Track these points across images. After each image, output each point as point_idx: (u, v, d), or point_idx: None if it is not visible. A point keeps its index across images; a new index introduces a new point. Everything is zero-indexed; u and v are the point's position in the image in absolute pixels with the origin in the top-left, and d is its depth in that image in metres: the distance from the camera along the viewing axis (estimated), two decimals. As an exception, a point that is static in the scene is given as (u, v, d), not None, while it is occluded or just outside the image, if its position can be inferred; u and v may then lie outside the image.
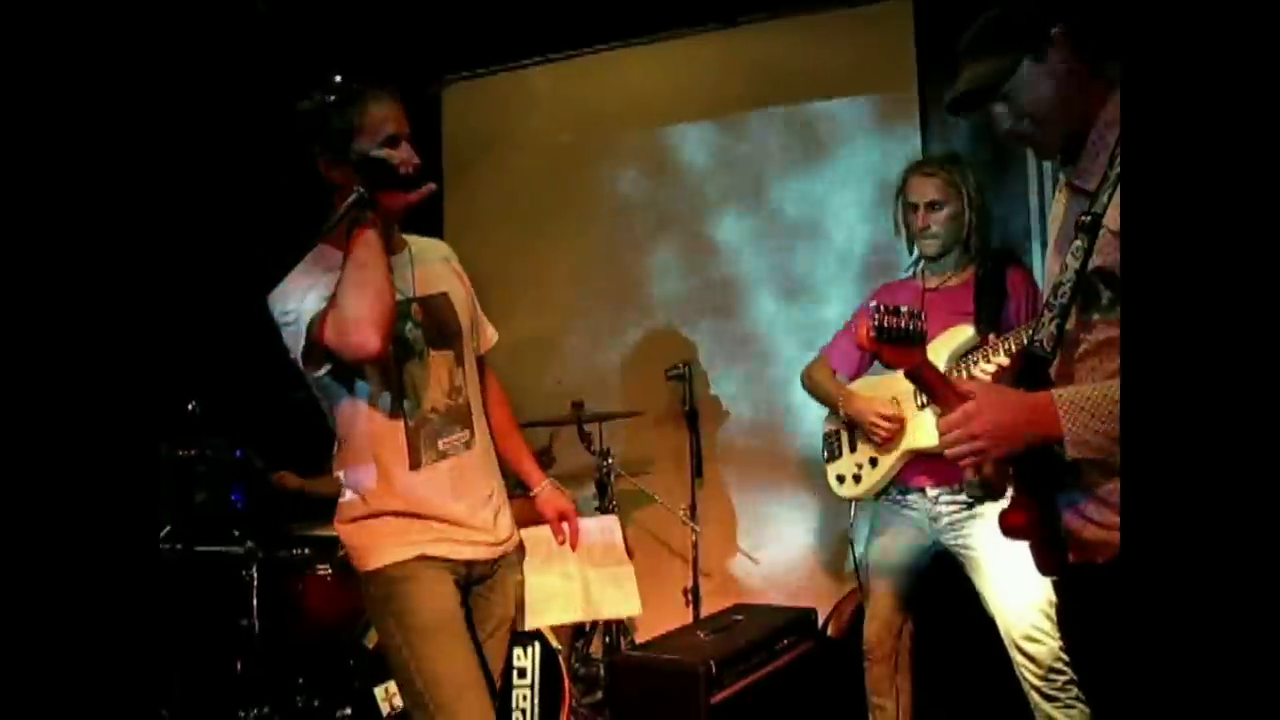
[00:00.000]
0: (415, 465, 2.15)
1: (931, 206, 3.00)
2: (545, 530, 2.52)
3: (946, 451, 1.62)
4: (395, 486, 2.14)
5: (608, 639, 4.02)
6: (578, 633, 3.97)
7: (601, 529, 2.61)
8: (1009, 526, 1.71)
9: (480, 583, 2.28)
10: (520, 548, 2.43)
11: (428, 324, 2.22)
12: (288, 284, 2.09)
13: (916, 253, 3.12)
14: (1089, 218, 1.61)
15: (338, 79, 2.16)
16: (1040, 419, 1.53)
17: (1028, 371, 1.70)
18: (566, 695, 3.26)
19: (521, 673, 3.27)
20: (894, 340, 1.53)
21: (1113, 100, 1.65)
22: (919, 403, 2.91)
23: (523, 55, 4.80)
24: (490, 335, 2.51)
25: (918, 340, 1.56)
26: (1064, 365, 1.71)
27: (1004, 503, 1.75)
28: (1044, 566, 1.75)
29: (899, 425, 2.99)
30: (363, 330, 1.95)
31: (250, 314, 2.18)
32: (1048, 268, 1.83)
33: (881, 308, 1.55)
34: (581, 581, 2.53)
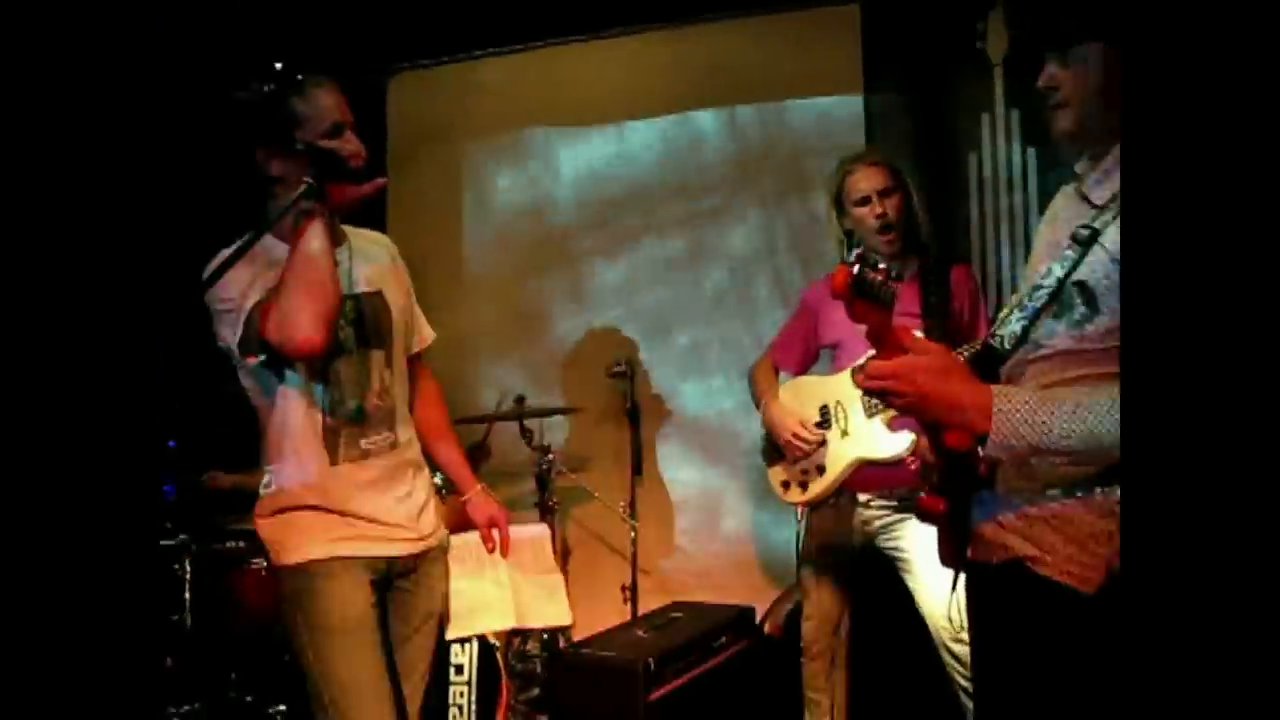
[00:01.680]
0: (335, 462, 2.13)
1: (884, 194, 2.93)
2: (475, 536, 2.50)
3: (864, 383, 1.58)
4: (314, 482, 2.12)
5: (545, 635, 4.00)
6: (514, 629, 3.95)
7: (532, 538, 2.60)
8: (923, 510, 1.72)
9: (403, 577, 2.25)
10: (446, 544, 2.40)
11: (361, 322, 2.20)
12: (229, 272, 2.04)
13: (858, 249, 3.08)
14: (1087, 231, 1.59)
15: (279, 67, 2.12)
16: (971, 406, 1.51)
17: (981, 361, 1.70)
18: (504, 692, 3.24)
19: (459, 669, 3.25)
20: (867, 295, 1.51)
21: None
22: (869, 409, 2.90)
23: (470, 47, 4.76)
24: (427, 335, 2.47)
25: (889, 302, 1.54)
26: (1014, 364, 1.71)
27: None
28: (945, 557, 1.77)
29: (816, 443, 2.98)
30: (306, 327, 1.93)
31: (182, 304, 2.14)
32: (1031, 266, 1.80)
33: (866, 258, 1.50)
34: (512, 589, 2.53)
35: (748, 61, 4.29)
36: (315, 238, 1.98)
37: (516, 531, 2.56)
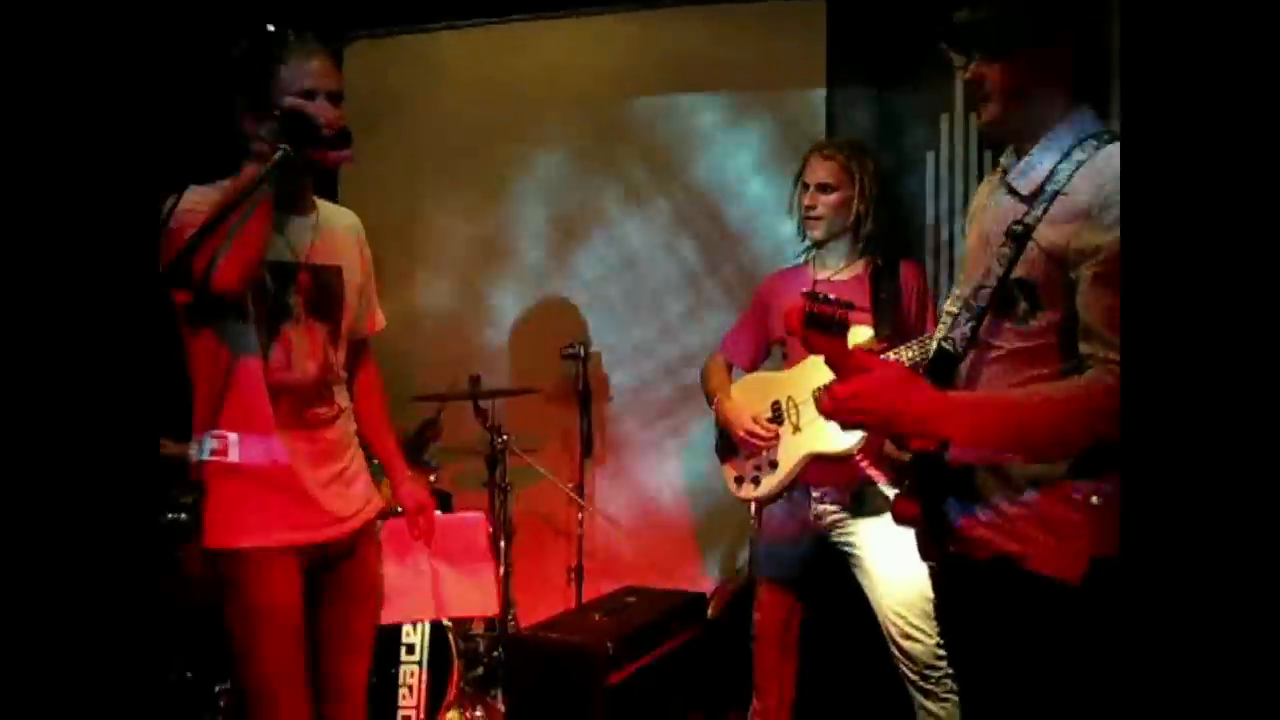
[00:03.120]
0: (279, 428, 2.12)
1: (821, 189, 3.00)
2: (403, 523, 2.51)
3: (829, 406, 1.63)
4: (253, 451, 2.10)
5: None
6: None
7: (463, 526, 2.60)
8: (899, 514, 1.77)
9: (341, 558, 2.25)
10: (380, 516, 2.39)
11: (312, 293, 2.18)
12: (184, 201, 2.00)
13: (807, 239, 3.12)
14: (1020, 227, 1.65)
15: (269, 27, 2.09)
16: (930, 416, 1.57)
17: (937, 367, 1.75)
18: (455, 672, 3.24)
19: (410, 649, 3.24)
20: (821, 327, 1.56)
21: (1065, 127, 1.69)
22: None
23: (429, 18, 4.68)
24: (378, 321, 2.47)
25: (841, 330, 1.59)
26: (973, 367, 1.75)
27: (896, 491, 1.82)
28: (926, 553, 1.83)
29: (769, 438, 3.01)
30: (232, 270, 1.92)
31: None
32: (969, 260, 1.86)
33: (815, 295, 1.57)
34: (431, 578, 2.53)
35: (711, 50, 4.29)
36: (266, 201, 1.97)
37: (449, 519, 2.59)
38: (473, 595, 2.60)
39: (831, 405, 1.61)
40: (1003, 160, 1.81)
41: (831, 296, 1.60)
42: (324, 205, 2.27)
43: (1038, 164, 1.69)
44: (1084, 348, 1.58)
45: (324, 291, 2.21)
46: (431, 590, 2.52)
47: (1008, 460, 1.62)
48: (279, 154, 1.94)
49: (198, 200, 1.98)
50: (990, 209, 1.80)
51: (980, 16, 1.72)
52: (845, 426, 1.65)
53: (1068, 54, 1.69)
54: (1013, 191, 1.73)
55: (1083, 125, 1.69)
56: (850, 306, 1.61)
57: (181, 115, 2.30)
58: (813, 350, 1.62)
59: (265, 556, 2.09)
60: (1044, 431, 1.55)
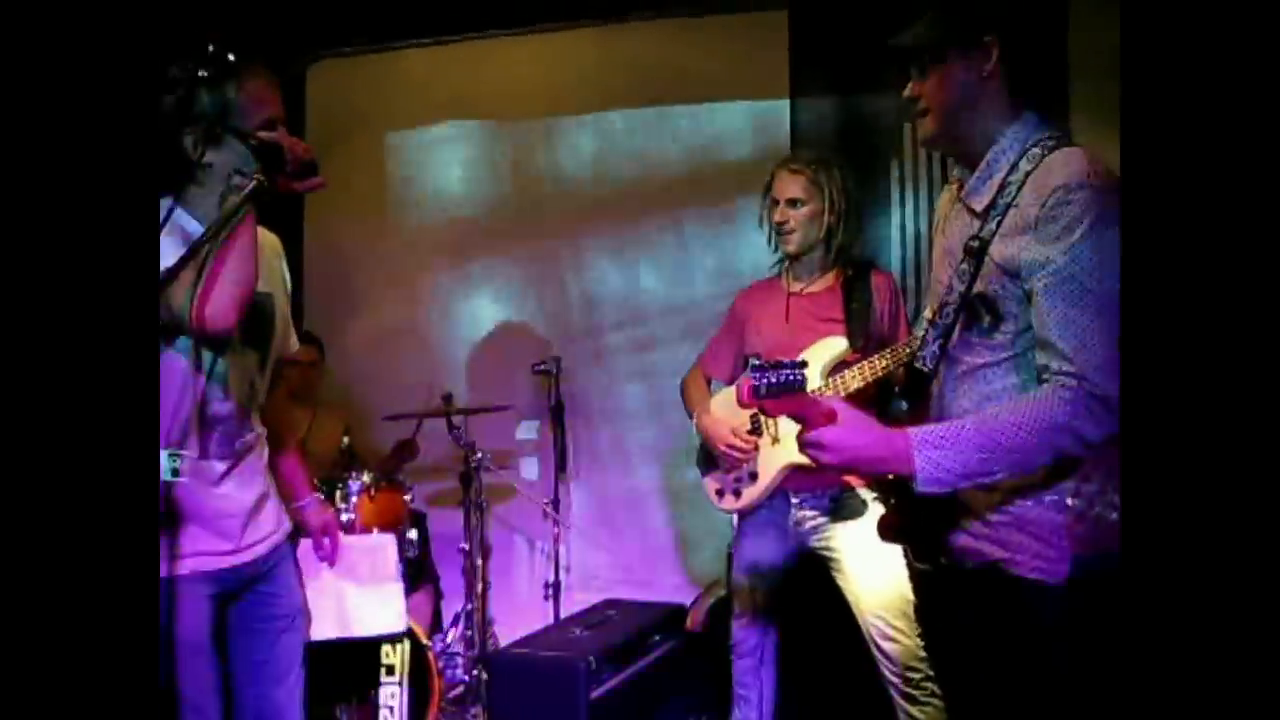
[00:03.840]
0: (204, 456, 2.08)
1: (792, 204, 3.00)
2: (308, 544, 2.51)
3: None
4: (178, 476, 2.04)
5: (469, 632, 3.99)
6: (434, 626, 3.94)
7: (370, 547, 2.64)
8: (885, 529, 1.81)
9: (259, 580, 2.21)
10: (293, 536, 2.37)
11: (248, 321, 2.12)
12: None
13: (779, 253, 3.13)
14: (977, 243, 1.67)
15: (211, 49, 2.05)
16: (893, 456, 1.60)
17: (909, 386, 1.79)
18: (436, 691, 3.23)
19: (390, 670, 3.22)
20: (775, 394, 1.57)
21: (1014, 130, 1.71)
22: None
23: (393, 37, 4.69)
24: (293, 342, 2.42)
25: (796, 388, 1.60)
26: (944, 384, 1.79)
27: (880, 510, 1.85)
28: (918, 557, 1.85)
29: (750, 450, 3.02)
30: (227, 309, 1.92)
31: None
32: (933, 275, 1.88)
33: (760, 365, 1.55)
34: (336, 598, 2.53)
35: (675, 62, 4.32)
36: (250, 231, 1.95)
37: (355, 541, 2.63)
38: (380, 614, 2.62)
39: (801, 451, 1.65)
40: (956, 173, 1.82)
41: (784, 360, 1.58)
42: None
43: (987, 178, 1.71)
44: (1040, 358, 1.60)
45: (257, 319, 2.17)
46: (335, 610, 2.52)
47: (977, 485, 1.64)
48: (253, 185, 1.92)
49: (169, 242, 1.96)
50: (952, 221, 1.82)
51: (910, 33, 1.75)
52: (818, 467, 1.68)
53: (996, 58, 1.69)
54: (966, 206, 1.75)
55: (1027, 132, 1.70)
56: (802, 365, 1.60)
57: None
58: (773, 414, 1.65)
59: (176, 586, 2.02)
60: (1004, 455, 1.57)
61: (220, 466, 2.10)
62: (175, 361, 2.05)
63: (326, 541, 2.51)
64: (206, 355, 2.07)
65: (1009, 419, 1.57)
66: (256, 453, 2.21)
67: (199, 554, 2.07)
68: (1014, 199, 1.64)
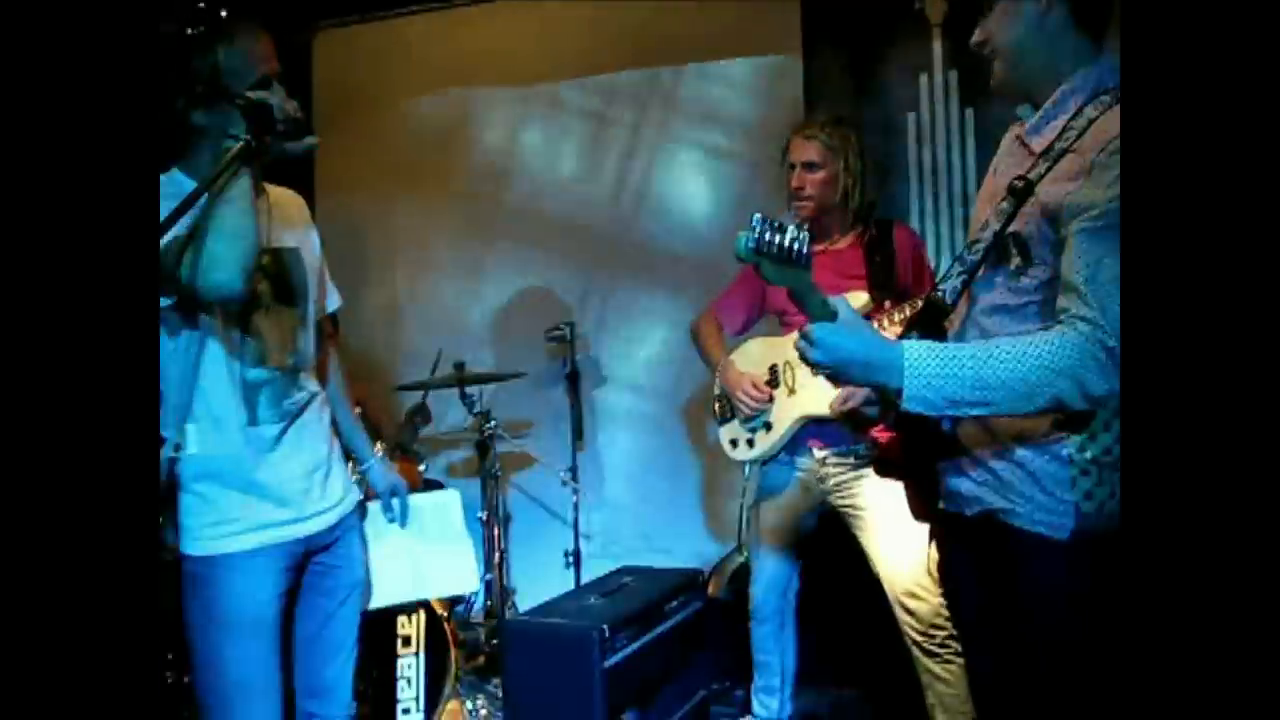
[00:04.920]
0: (254, 422, 2.04)
1: (807, 168, 3.00)
2: (376, 506, 2.46)
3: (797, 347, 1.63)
4: (231, 444, 2.02)
5: (489, 603, 3.98)
6: (456, 597, 3.91)
7: (436, 505, 2.56)
8: (883, 465, 1.79)
9: (323, 551, 2.19)
10: (361, 507, 2.35)
11: (278, 278, 2.11)
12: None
13: (798, 217, 3.12)
14: (1022, 182, 1.62)
15: (202, 6, 2.01)
16: (884, 365, 1.54)
17: (925, 317, 1.74)
18: (453, 662, 3.21)
19: (406, 641, 3.20)
20: (775, 258, 1.51)
21: (1084, 73, 1.64)
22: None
23: (396, 4, 4.64)
24: (336, 298, 2.40)
25: (801, 262, 1.53)
26: (960, 321, 1.75)
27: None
28: (917, 512, 1.82)
29: (765, 400, 3.02)
30: (228, 270, 1.86)
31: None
32: (975, 213, 1.84)
33: (766, 221, 1.51)
34: (410, 559, 2.48)
35: (683, 20, 4.24)
36: (243, 188, 1.89)
37: (421, 499, 2.54)
38: (452, 574, 2.56)
39: (797, 348, 1.61)
40: (1020, 113, 1.76)
41: (789, 226, 1.52)
42: (271, 189, 2.19)
43: (1051, 119, 1.66)
44: (1061, 301, 1.55)
45: (287, 276, 2.13)
46: (410, 572, 2.48)
47: (964, 411, 1.58)
48: (239, 146, 1.87)
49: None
50: (1006, 160, 1.77)
51: None
52: (814, 372, 1.63)
53: (1064, 1, 1.64)
54: (1025, 146, 1.70)
55: (1099, 77, 1.63)
56: (807, 237, 1.54)
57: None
58: (771, 281, 1.57)
59: (245, 561, 2.01)
60: (999, 389, 1.50)
61: (272, 431, 2.07)
62: (182, 337, 2.02)
63: (395, 502, 2.46)
64: (236, 320, 2.03)
65: (1010, 351, 1.51)
66: (313, 414, 2.17)
67: (264, 527, 2.05)
68: (1073, 144, 1.58)
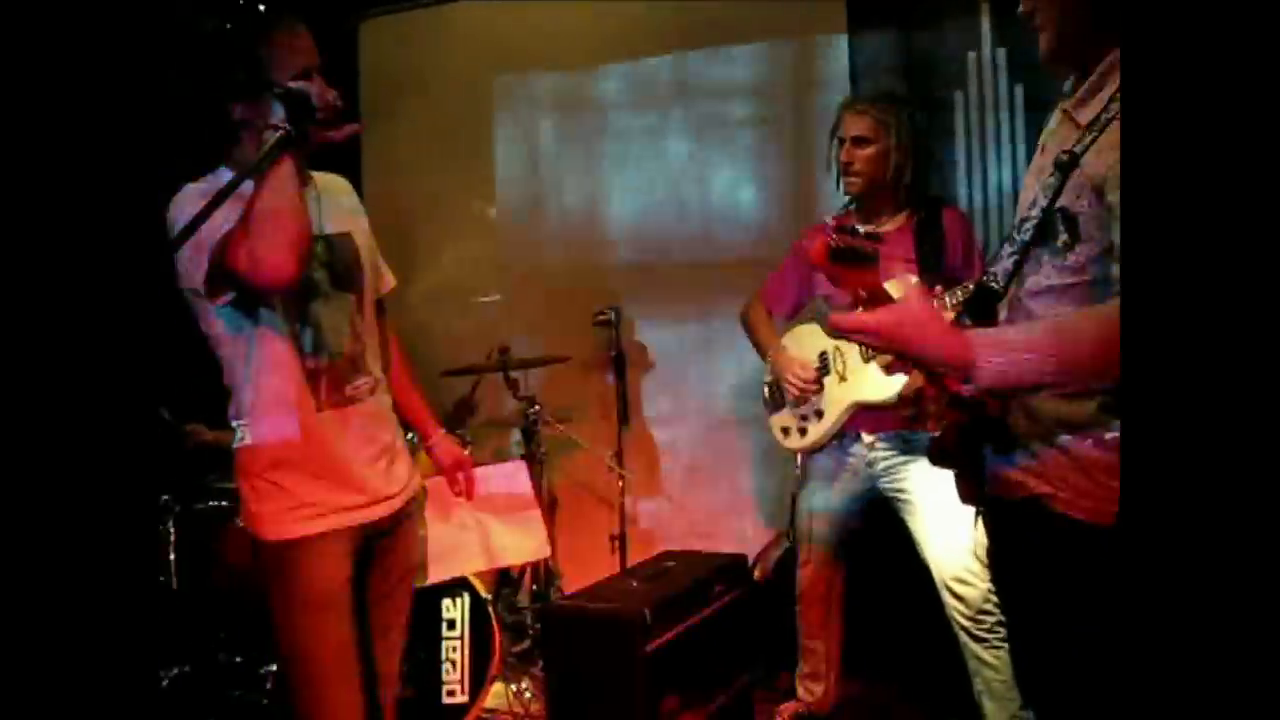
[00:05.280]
0: (320, 408, 2.07)
1: (857, 143, 2.98)
2: (443, 481, 2.48)
3: (842, 330, 1.59)
4: (297, 432, 2.05)
5: (535, 587, 3.99)
6: (504, 581, 3.93)
7: (504, 475, 2.58)
8: (936, 454, 1.75)
9: (383, 536, 2.21)
10: (423, 498, 2.37)
11: (332, 264, 2.13)
12: (186, 204, 1.95)
13: (848, 195, 3.10)
14: (1067, 156, 1.58)
15: (242, 2, 2.03)
16: (952, 360, 1.50)
17: (977, 302, 1.70)
18: (497, 646, 3.22)
19: (451, 624, 3.23)
20: (847, 261, 1.50)
21: None
22: (865, 355, 2.90)
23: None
24: (389, 280, 2.41)
25: (871, 261, 1.53)
26: (1013, 303, 1.70)
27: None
28: (965, 495, 1.79)
29: (813, 383, 3.02)
30: (278, 256, 1.86)
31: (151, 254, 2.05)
32: (1022, 194, 1.79)
33: (837, 227, 1.51)
34: (479, 531, 2.51)
35: (730, 3, 4.19)
36: (285, 173, 1.90)
37: (487, 471, 2.55)
38: (523, 542, 2.59)
39: (845, 330, 1.57)
40: (1066, 88, 1.72)
41: (860, 228, 1.54)
42: (319, 176, 2.21)
43: (1098, 90, 1.61)
44: (1116, 271, 1.50)
45: (342, 261, 2.15)
46: (481, 543, 2.49)
47: (1052, 389, 1.55)
48: (279, 136, 1.88)
49: (206, 190, 1.93)
50: (1054, 135, 1.73)
51: None
52: (872, 355, 1.61)
53: None
54: (1072, 120, 1.65)
55: None
56: (878, 239, 1.54)
57: (162, 103, 2.27)
58: (840, 285, 1.56)
59: (318, 544, 2.05)
60: (1086, 350, 1.45)
61: (336, 416, 2.09)
62: (242, 328, 2.04)
63: (461, 477, 2.48)
64: (295, 309, 2.05)
65: (1091, 314, 1.48)
66: (376, 399, 2.19)
67: (336, 510, 2.08)
68: (1118, 113, 1.52)
